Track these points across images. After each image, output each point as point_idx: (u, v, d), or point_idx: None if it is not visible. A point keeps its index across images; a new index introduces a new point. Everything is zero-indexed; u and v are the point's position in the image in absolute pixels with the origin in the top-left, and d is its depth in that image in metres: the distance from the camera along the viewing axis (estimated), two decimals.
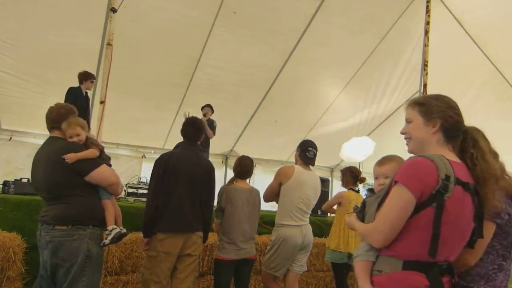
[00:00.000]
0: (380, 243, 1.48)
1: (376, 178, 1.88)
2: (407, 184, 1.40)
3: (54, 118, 2.50)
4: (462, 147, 1.56)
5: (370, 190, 1.87)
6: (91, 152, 2.44)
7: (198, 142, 3.27)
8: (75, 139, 2.46)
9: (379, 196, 1.61)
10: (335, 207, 4.33)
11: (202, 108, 6.59)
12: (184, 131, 3.21)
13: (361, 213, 1.74)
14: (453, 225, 1.41)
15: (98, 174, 2.42)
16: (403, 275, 1.43)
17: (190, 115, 3.52)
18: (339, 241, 3.99)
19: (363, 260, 1.56)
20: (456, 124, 1.55)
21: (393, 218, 1.42)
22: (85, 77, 5.42)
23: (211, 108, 6.55)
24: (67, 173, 2.34)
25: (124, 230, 2.54)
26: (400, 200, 1.42)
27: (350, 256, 3.86)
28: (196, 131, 3.20)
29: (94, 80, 5.53)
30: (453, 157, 1.50)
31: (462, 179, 1.43)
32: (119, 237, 2.50)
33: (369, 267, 1.54)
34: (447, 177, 1.39)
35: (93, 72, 6.02)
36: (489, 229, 1.67)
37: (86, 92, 5.58)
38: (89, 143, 2.53)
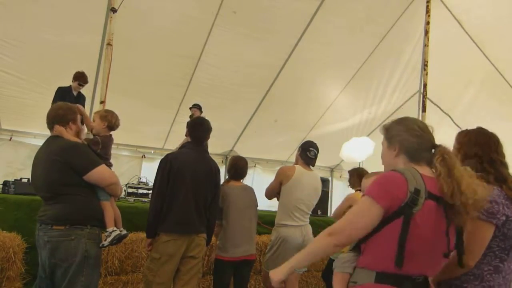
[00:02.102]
0: (336, 245, 1.48)
1: (362, 191, 1.91)
2: (374, 196, 1.43)
3: (53, 118, 2.50)
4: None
5: None
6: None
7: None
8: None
9: None
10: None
11: (190, 108, 6.59)
12: (191, 132, 3.15)
13: None
14: (422, 238, 1.41)
15: (97, 173, 2.41)
16: (374, 287, 1.45)
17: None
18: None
19: (339, 271, 1.62)
20: (415, 145, 1.57)
21: (353, 224, 1.46)
22: (74, 77, 5.44)
23: (199, 108, 6.54)
24: (66, 172, 2.33)
25: (124, 232, 2.53)
26: (364, 210, 1.45)
27: None
28: (204, 132, 3.14)
29: (83, 84, 5.48)
30: (427, 172, 1.51)
31: (435, 193, 1.44)
32: (119, 239, 2.50)
33: (345, 278, 1.59)
34: (417, 191, 1.41)
35: (93, 72, 6.04)
36: (488, 230, 1.67)
37: (79, 92, 5.58)
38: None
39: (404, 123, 1.63)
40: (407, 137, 1.58)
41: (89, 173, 2.38)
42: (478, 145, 1.84)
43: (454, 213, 1.43)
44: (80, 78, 5.44)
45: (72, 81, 5.44)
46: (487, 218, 1.66)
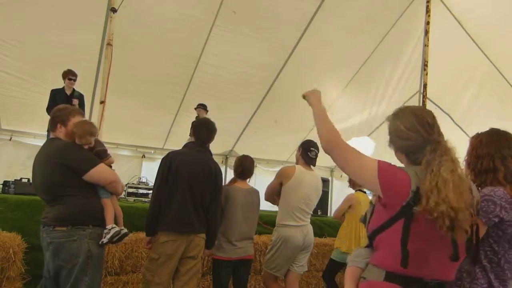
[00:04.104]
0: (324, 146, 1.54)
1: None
2: (380, 168, 1.42)
3: (51, 120, 2.52)
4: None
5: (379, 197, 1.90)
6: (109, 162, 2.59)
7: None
8: (86, 146, 2.49)
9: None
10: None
11: (195, 108, 6.58)
12: (196, 132, 3.13)
13: (365, 222, 1.78)
14: (425, 238, 1.38)
15: (97, 172, 2.41)
16: (382, 285, 1.43)
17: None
18: (351, 243, 4.02)
19: (351, 265, 1.63)
20: (405, 147, 1.53)
21: (349, 157, 1.49)
22: (62, 75, 5.48)
23: (205, 107, 6.52)
24: (65, 173, 2.33)
25: (125, 230, 2.53)
26: (364, 158, 1.47)
27: None
28: (209, 133, 3.13)
29: (73, 78, 5.52)
30: None
31: None
32: (120, 237, 2.49)
33: (356, 273, 1.58)
34: (418, 189, 1.37)
35: (93, 72, 6.04)
36: (481, 228, 1.64)
37: (73, 91, 5.58)
38: (96, 143, 2.56)
39: (395, 121, 1.58)
40: (396, 139, 1.57)
41: (89, 172, 2.38)
42: (489, 144, 1.82)
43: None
44: (68, 73, 5.49)
45: (63, 81, 5.48)
46: (480, 215, 1.63)
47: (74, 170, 2.36)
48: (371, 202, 1.91)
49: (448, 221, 1.32)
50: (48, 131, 5.49)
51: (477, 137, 1.90)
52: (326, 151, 1.56)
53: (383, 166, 1.43)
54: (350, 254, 4.16)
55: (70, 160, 2.36)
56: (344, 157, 1.50)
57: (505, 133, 1.85)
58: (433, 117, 1.55)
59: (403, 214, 1.38)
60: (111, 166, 2.65)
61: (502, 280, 1.68)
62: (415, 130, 1.51)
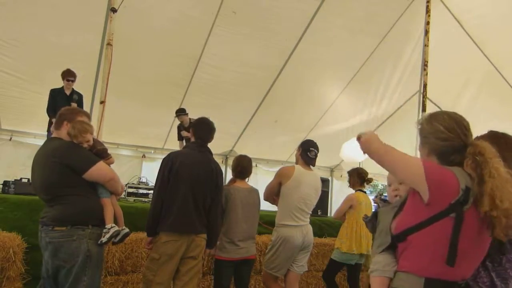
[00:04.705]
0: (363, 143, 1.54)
1: (389, 184, 1.86)
2: (427, 171, 1.40)
3: (58, 118, 2.52)
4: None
5: (385, 201, 1.85)
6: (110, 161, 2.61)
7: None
8: (85, 145, 2.48)
9: (395, 206, 1.60)
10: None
11: (176, 116, 6.55)
12: (195, 131, 3.13)
13: (371, 222, 1.73)
14: (472, 238, 1.38)
15: (96, 171, 2.41)
16: None
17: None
18: (352, 244, 4.04)
19: (380, 275, 1.50)
20: (442, 148, 1.52)
21: (396, 159, 1.48)
22: (61, 75, 5.47)
23: (184, 112, 6.45)
24: (65, 172, 2.33)
25: (126, 230, 2.52)
26: (410, 160, 1.46)
27: (362, 256, 4.07)
28: (209, 132, 3.13)
29: (72, 78, 5.49)
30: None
31: None
32: (122, 237, 2.48)
33: (386, 283, 1.49)
34: (467, 188, 1.36)
35: (93, 72, 6.04)
36: None
37: (73, 91, 5.58)
38: (95, 142, 2.56)
39: (432, 123, 1.57)
40: (434, 141, 1.54)
41: (88, 171, 2.38)
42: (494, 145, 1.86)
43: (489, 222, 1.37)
44: (66, 74, 5.47)
45: (62, 81, 5.48)
46: None
47: (74, 169, 2.36)
48: (381, 200, 1.87)
49: (505, 220, 1.32)
50: (48, 131, 5.51)
51: (477, 140, 1.91)
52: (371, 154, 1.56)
53: (429, 164, 1.43)
54: (351, 254, 4.18)
55: (70, 159, 2.36)
56: (384, 149, 1.50)
57: (503, 136, 1.88)
58: (467, 122, 1.57)
59: (450, 211, 1.36)
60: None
61: (503, 278, 1.69)
62: (454, 132, 1.51)
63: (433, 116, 1.59)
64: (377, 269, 1.52)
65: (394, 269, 1.48)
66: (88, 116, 2.65)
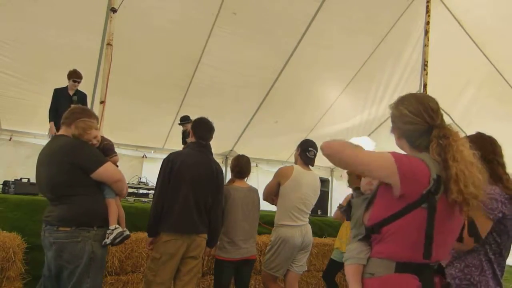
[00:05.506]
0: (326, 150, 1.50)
1: (363, 176, 1.88)
2: (397, 162, 1.38)
3: (71, 115, 2.51)
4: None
5: (357, 189, 1.88)
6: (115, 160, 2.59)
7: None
8: (94, 142, 2.46)
9: (366, 198, 1.61)
10: None
11: (181, 124, 6.63)
12: (195, 131, 3.14)
13: (346, 212, 1.76)
14: (445, 226, 1.39)
15: (105, 171, 2.39)
16: (396, 278, 1.40)
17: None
18: None
19: (354, 263, 1.53)
20: (409, 132, 1.52)
21: (367, 160, 1.43)
22: (67, 76, 5.45)
23: (188, 120, 6.42)
24: (73, 172, 2.31)
25: (127, 232, 2.52)
26: (379, 157, 1.42)
27: None
28: (208, 132, 3.14)
29: (77, 80, 5.48)
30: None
31: None
32: (121, 239, 2.47)
33: (360, 270, 1.51)
34: (438, 177, 1.36)
35: (93, 72, 6.04)
36: (486, 223, 1.80)
37: (77, 91, 5.58)
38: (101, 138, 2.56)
39: (399, 107, 1.57)
40: (400, 125, 1.55)
41: (97, 171, 2.36)
42: (476, 148, 1.92)
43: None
44: (73, 74, 5.45)
45: (68, 81, 5.47)
46: (486, 213, 1.79)
47: (82, 168, 2.33)
48: (354, 190, 1.90)
49: (474, 202, 1.34)
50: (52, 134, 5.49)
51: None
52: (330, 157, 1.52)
53: (399, 157, 1.41)
54: None
55: (79, 158, 2.33)
56: (354, 154, 1.45)
57: (489, 138, 2.01)
58: (436, 103, 1.54)
59: (422, 202, 1.35)
60: (117, 166, 2.65)
61: (502, 267, 1.89)
62: (419, 115, 1.50)
63: (400, 100, 1.59)
64: (351, 257, 1.55)
65: (367, 256, 1.51)
66: (97, 118, 2.64)
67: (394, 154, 1.42)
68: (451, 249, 1.53)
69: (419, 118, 1.49)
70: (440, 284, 1.46)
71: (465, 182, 1.33)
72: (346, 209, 1.76)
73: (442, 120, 1.51)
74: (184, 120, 6.57)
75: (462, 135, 1.48)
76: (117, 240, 2.44)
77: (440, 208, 1.36)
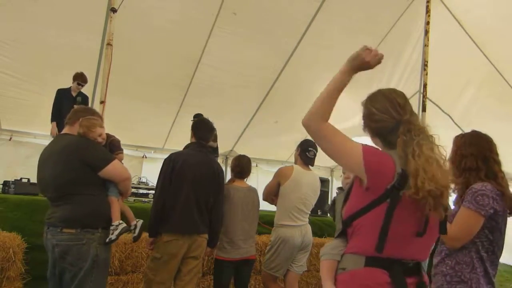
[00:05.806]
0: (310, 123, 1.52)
1: (343, 172, 1.91)
2: (364, 150, 1.39)
3: (76, 114, 2.49)
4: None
5: (340, 188, 1.90)
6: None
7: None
8: (100, 140, 2.44)
9: (345, 193, 1.61)
10: None
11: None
12: (195, 131, 3.15)
13: (332, 210, 1.77)
14: (407, 221, 1.36)
15: (113, 169, 2.36)
16: (365, 272, 1.39)
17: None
18: None
19: (328, 259, 1.53)
20: (378, 130, 1.52)
21: (337, 147, 1.45)
22: (73, 77, 5.47)
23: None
24: (80, 169, 2.27)
25: (140, 221, 2.54)
26: (347, 139, 1.43)
27: None
28: (208, 132, 3.15)
29: (82, 83, 5.49)
30: None
31: None
32: (140, 230, 2.51)
33: (334, 266, 1.51)
34: (404, 172, 1.34)
35: (93, 72, 6.04)
36: (476, 220, 1.82)
37: (80, 93, 5.58)
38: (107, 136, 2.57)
39: (367, 105, 1.57)
40: (369, 123, 1.55)
41: (105, 169, 2.33)
42: (473, 145, 1.99)
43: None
44: (79, 77, 5.46)
45: (72, 82, 5.45)
46: (476, 209, 1.80)
47: (91, 166, 2.30)
48: (338, 188, 1.93)
49: (432, 200, 1.30)
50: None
51: (461, 138, 2.06)
52: (308, 127, 1.53)
53: (368, 150, 1.41)
54: None
55: (86, 156, 2.30)
56: (333, 133, 1.47)
57: (485, 136, 2.04)
58: (404, 97, 1.53)
59: (387, 197, 1.34)
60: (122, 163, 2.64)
61: (495, 266, 1.90)
62: (386, 112, 1.49)
63: (368, 98, 1.59)
64: (325, 253, 1.56)
65: (342, 252, 1.50)
66: (101, 117, 2.63)
67: (365, 146, 1.42)
68: (428, 247, 1.48)
69: (386, 115, 1.49)
70: (415, 286, 1.40)
71: (423, 178, 1.30)
72: (331, 207, 1.77)
73: (412, 114, 1.49)
74: (197, 117, 6.57)
75: (431, 131, 1.45)
76: (137, 232, 2.47)
77: (405, 203, 1.33)
